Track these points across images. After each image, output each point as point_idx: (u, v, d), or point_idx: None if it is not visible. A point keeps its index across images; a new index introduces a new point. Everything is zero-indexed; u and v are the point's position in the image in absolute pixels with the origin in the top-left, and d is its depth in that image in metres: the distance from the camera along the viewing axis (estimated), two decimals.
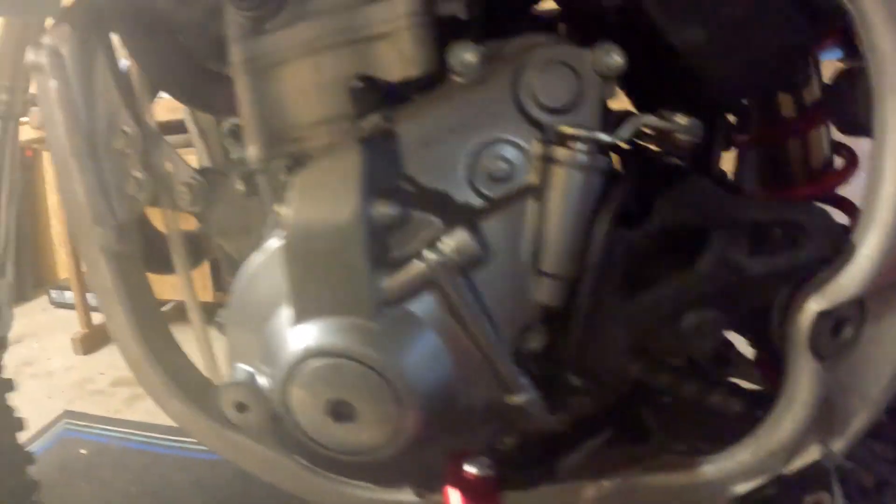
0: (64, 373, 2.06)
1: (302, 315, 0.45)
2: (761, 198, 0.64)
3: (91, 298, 2.63)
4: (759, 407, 0.53)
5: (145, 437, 1.80)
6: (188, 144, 0.77)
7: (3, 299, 0.90)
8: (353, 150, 0.43)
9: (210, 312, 0.66)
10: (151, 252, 0.64)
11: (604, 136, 0.43)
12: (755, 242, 0.48)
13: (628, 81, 0.52)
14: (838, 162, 0.64)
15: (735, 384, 0.56)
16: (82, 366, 2.09)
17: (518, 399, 0.48)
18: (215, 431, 0.60)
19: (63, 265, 2.56)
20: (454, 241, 0.43)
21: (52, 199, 2.61)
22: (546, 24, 0.63)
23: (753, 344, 0.61)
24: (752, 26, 0.47)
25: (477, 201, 0.46)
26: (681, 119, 0.44)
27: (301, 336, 0.45)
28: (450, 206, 0.46)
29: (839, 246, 0.45)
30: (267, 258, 0.47)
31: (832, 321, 0.45)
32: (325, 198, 0.43)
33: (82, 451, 1.62)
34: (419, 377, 0.45)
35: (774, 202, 0.48)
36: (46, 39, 0.60)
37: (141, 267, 0.61)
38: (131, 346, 0.59)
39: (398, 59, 0.49)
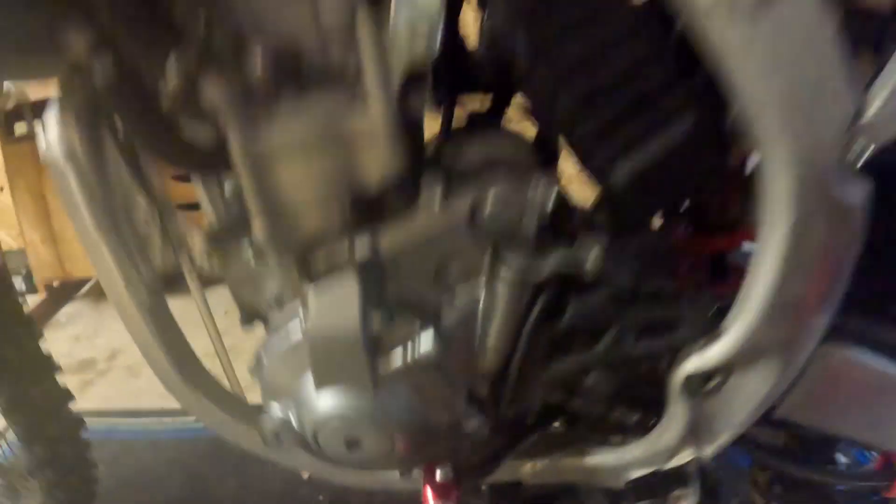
0: None
1: (321, 383, 0.62)
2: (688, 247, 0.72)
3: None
4: (652, 417, 0.69)
5: (107, 424, 1.66)
6: None
7: None
8: (353, 280, 0.57)
9: None
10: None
11: (531, 274, 0.57)
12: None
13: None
14: None
15: (634, 402, 0.70)
16: None
17: (469, 426, 0.66)
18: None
19: None
20: (424, 344, 0.60)
21: None
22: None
23: None
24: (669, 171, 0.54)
25: (446, 299, 0.61)
26: (591, 260, 0.56)
27: (323, 399, 0.63)
28: (424, 303, 0.61)
29: (709, 329, 0.59)
30: (292, 343, 0.63)
31: (702, 377, 0.61)
32: (335, 317, 0.58)
33: None
34: (405, 421, 0.64)
35: (658, 305, 0.61)
36: (55, 138, 0.61)
37: (169, 312, 0.73)
38: (172, 377, 0.74)
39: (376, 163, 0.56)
